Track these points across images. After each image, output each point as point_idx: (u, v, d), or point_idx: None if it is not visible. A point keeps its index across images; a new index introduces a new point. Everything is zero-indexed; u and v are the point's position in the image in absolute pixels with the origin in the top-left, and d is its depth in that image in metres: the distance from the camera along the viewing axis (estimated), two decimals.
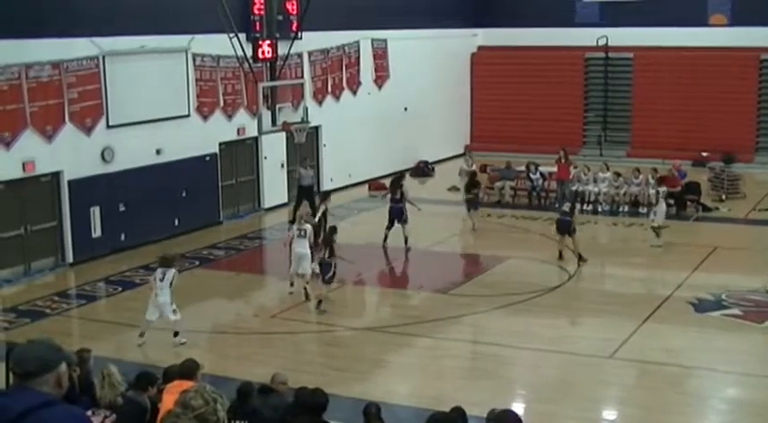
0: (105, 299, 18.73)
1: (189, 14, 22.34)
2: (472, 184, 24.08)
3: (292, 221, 23.54)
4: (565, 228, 20.49)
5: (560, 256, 20.48)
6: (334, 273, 17.44)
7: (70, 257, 20.44)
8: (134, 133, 21.50)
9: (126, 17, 21.08)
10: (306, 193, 24.52)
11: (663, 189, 23.26)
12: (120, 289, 18.91)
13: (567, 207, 21.00)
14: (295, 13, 25.10)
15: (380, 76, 30.83)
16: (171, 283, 15.21)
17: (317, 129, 27.44)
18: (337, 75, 28.77)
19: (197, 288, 18.88)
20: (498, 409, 8.75)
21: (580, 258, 20.17)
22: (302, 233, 17.99)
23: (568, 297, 18.13)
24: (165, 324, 15.39)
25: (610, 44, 33.50)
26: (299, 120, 22.68)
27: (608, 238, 23.17)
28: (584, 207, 25.55)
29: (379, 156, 29.38)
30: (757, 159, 32.39)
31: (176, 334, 15.38)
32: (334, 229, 17.98)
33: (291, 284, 18.33)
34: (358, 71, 29.72)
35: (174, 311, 15.31)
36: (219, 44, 21.95)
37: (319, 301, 17.28)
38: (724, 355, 14.73)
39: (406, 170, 31.52)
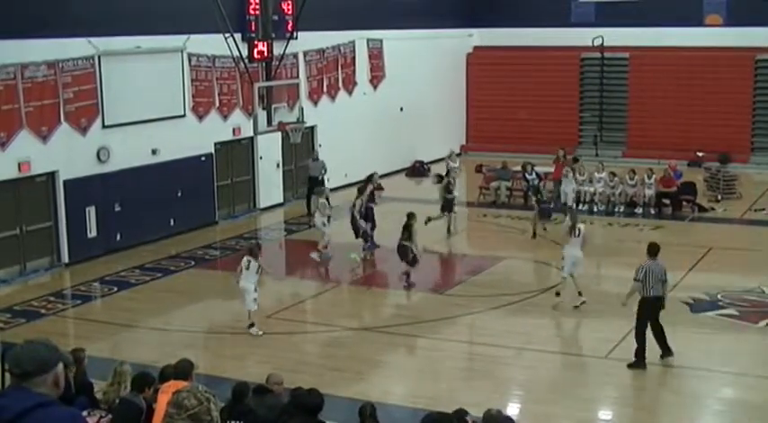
0: (101, 299, 18.71)
1: (184, 15, 22.32)
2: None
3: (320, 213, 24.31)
4: (548, 213, 22.52)
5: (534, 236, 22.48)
6: (414, 255, 18.68)
7: (66, 257, 20.42)
8: (130, 133, 21.49)
9: (121, 17, 21.06)
10: (312, 184, 25.09)
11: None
12: (115, 289, 18.90)
13: (545, 196, 23.00)
14: (290, 13, 25.09)
15: (376, 77, 30.83)
16: (257, 272, 15.94)
17: (312, 129, 27.44)
18: (333, 75, 28.77)
19: (193, 288, 18.89)
20: (494, 410, 8.78)
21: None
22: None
23: (564, 297, 18.10)
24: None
25: (605, 44, 33.53)
26: (295, 120, 22.68)
27: (603, 238, 23.17)
28: (581, 207, 25.61)
29: (375, 156, 29.35)
30: (753, 159, 32.46)
31: (251, 325, 15.83)
32: (412, 215, 19.12)
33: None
34: (354, 71, 29.71)
35: (255, 301, 15.85)
36: (215, 44, 21.94)
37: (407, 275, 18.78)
38: (720, 356, 14.75)
39: (402, 170, 31.66)
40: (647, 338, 14.05)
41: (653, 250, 14.41)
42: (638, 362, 13.98)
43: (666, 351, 14.16)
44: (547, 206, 22.89)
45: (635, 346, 14.09)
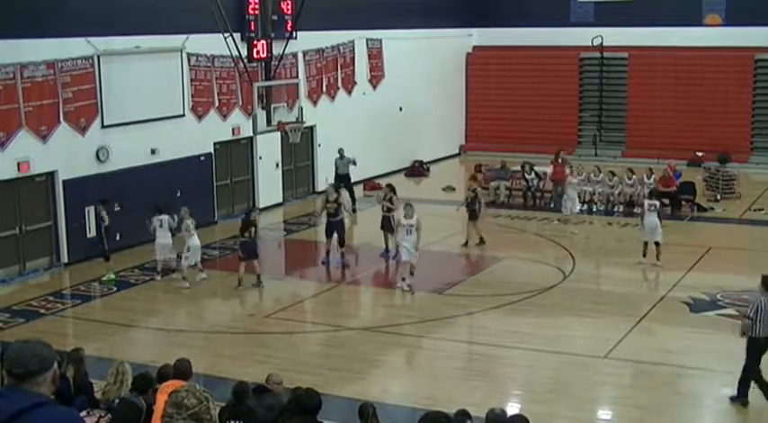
0: (100, 299, 18.68)
1: (184, 14, 22.31)
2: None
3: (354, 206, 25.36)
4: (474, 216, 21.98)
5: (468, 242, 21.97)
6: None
7: (65, 257, 20.40)
8: (129, 133, 21.47)
9: (121, 17, 21.05)
10: (342, 181, 25.25)
11: None
12: (114, 289, 18.89)
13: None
14: (290, 12, 25.08)
15: (375, 76, 30.82)
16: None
17: (311, 129, 27.43)
18: (332, 74, 28.76)
19: (191, 288, 18.86)
20: (498, 408, 8.76)
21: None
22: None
23: (563, 297, 18.11)
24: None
25: (605, 44, 33.54)
26: (294, 119, 22.66)
27: (603, 238, 23.17)
28: (580, 207, 25.65)
29: (375, 156, 29.35)
30: (752, 159, 32.46)
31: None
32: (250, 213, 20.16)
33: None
34: (353, 71, 29.70)
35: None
36: (214, 44, 21.93)
37: None
38: (719, 355, 14.71)
39: (401, 170, 31.65)
40: (646, 339, 13.97)
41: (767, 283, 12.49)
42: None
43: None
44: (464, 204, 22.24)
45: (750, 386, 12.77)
